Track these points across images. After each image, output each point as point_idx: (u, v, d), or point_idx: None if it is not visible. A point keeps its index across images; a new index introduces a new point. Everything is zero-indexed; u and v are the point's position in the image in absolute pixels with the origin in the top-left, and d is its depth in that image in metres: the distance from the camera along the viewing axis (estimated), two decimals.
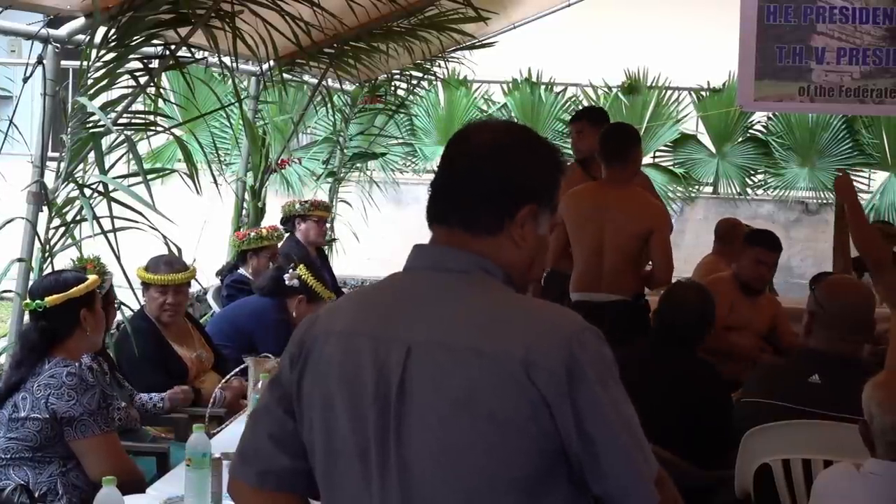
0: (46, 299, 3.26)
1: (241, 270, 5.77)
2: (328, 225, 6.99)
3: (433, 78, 8.61)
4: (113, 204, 3.88)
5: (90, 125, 3.95)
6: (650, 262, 4.77)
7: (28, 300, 3.32)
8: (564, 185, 1.74)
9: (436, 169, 1.72)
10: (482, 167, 1.64)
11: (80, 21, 3.95)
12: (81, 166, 4.03)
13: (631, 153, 4.81)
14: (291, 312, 4.97)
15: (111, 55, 3.96)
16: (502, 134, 1.69)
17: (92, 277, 3.42)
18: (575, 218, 4.67)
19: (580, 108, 10.54)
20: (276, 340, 4.47)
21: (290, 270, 5.00)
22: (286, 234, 6.31)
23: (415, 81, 8.18)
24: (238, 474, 1.70)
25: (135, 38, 4.00)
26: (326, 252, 8.15)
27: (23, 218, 3.89)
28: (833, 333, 3.18)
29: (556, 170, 1.71)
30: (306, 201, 6.62)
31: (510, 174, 1.64)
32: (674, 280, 4.65)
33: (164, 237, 4.04)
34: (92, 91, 3.92)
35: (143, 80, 4.17)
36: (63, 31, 3.97)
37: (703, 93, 10.47)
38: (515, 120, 9.68)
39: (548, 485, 1.52)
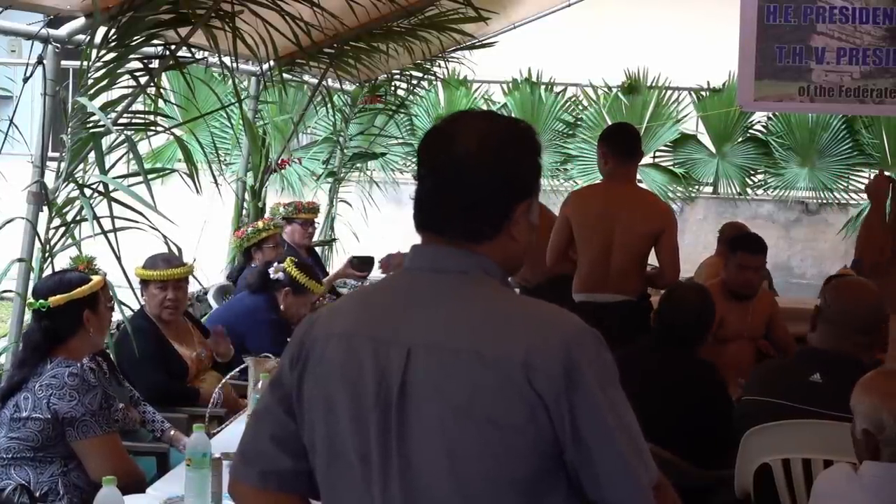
0: (50, 299, 3.26)
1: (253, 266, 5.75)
2: (317, 225, 6.97)
3: (433, 78, 8.61)
4: (113, 204, 3.88)
5: (90, 125, 3.95)
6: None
7: (32, 300, 3.33)
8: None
9: None
10: (473, 174, 1.58)
11: (80, 21, 3.95)
12: (81, 166, 4.03)
13: (641, 150, 4.89)
14: (281, 307, 5.00)
15: (111, 55, 3.96)
16: (488, 135, 1.61)
17: (96, 278, 3.42)
18: (582, 218, 4.63)
19: (580, 107, 10.58)
20: (271, 339, 4.47)
21: (276, 264, 5.03)
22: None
23: (415, 81, 8.17)
24: (240, 475, 1.70)
25: (135, 38, 4.00)
26: (326, 252, 8.15)
27: (23, 218, 3.89)
28: (836, 332, 3.16)
29: (539, 154, 1.67)
30: (290, 204, 6.61)
31: (504, 178, 1.59)
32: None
33: (165, 237, 4.03)
34: (92, 91, 3.92)
35: (143, 80, 4.18)
36: (63, 31, 3.97)
37: (703, 93, 10.46)
38: None
39: (547, 486, 1.52)
